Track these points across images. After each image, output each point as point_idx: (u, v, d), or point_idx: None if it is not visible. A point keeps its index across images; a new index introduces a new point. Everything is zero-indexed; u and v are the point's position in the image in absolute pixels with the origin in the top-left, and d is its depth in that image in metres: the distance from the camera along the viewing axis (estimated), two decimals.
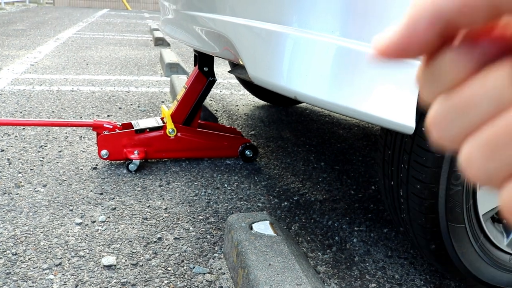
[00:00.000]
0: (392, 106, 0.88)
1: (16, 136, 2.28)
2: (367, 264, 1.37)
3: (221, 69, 4.61)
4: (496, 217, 1.21)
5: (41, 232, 1.43)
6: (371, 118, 0.89)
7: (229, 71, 1.75)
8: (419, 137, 1.02)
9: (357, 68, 0.87)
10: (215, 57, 2.05)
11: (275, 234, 1.25)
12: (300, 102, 3.23)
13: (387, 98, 0.88)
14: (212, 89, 3.61)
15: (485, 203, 1.10)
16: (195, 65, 2.09)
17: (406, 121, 0.89)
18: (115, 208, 1.61)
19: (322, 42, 0.89)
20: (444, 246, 1.09)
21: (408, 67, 0.87)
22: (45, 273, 1.23)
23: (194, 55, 2.11)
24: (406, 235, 1.23)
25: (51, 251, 1.33)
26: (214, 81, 2.04)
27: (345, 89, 0.88)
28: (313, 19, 0.91)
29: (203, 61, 2.01)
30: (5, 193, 1.67)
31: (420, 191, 1.04)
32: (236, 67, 1.44)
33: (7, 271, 1.23)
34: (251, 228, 1.28)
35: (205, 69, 2.03)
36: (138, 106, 2.97)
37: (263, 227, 1.28)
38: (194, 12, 1.35)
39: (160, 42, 6.19)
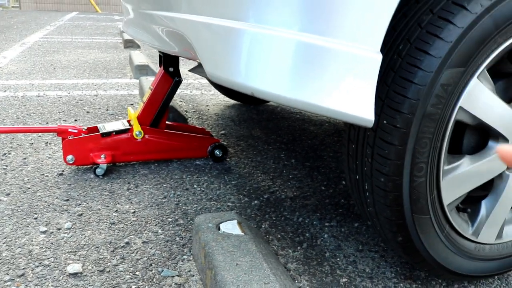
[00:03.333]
0: (352, 100, 0.87)
1: None
2: (338, 259, 1.37)
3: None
4: (461, 207, 1.23)
5: (3, 243, 1.38)
6: (331, 112, 0.88)
7: (189, 70, 1.73)
8: (381, 130, 1.02)
9: (315, 62, 0.86)
10: (181, 58, 2.03)
11: (243, 234, 1.24)
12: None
13: (346, 92, 0.87)
14: (182, 90, 3.58)
15: (449, 194, 1.11)
16: (160, 66, 2.06)
17: (365, 114, 0.88)
18: (81, 214, 1.57)
19: (280, 37, 0.88)
20: (411, 237, 1.10)
21: (367, 61, 0.87)
22: (7, 285, 1.19)
23: (159, 55, 2.08)
24: (374, 228, 1.23)
25: (13, 262, 1.29)
26: (180, 81, 2.01)
27: (304, 84, 0.87)
28: (270, 14, 0.89)
29: (168, 61, 1.98)
30: None
31: (384, 184, 1.04)
32: (198, 66, 1.42)
33: None
34: (219, 228, 1.26)
35: (171, 69, 2.00)
36: (107, 110, 2.92)
37: (231, 227, 1.26)
38: (151, 11, 1.33)
39: (130, 45, 6.11)
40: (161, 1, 1.22)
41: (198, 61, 1.15)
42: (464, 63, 0.99)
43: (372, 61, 0.86)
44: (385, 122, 1.01)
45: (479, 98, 1.05)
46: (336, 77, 0.86)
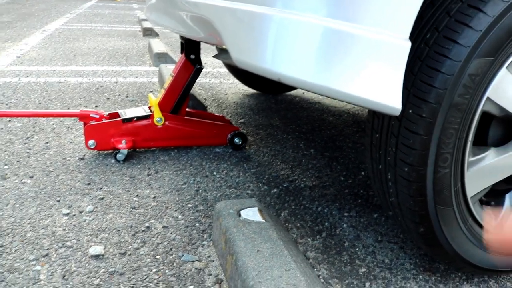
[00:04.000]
0: (378, 88, 0.87)
1: (2, 128, 2.24)
2: (357, 249, 1.37)
3: (210, 58, 4.57)
4: (485, 200, 1.21)
5: (27, 224, 1.41)
6: (358, 100, 0.87)
7: (213, 56, 1.73)
8: (406, 119, 1.01)
9: (343, 49, 0.86)
10: (204, 47, 2.02)
11: (264, 220, 1.24)
12: (289, 90, 3.21)
13: (373, 79, 0.86)
14: (201, 78, 3.59)
15: (473, 186, 1.10)
16: (181, 53, 2.07)
17: (392, 102, 0.88)
18: (103, 198, 1.59)
19: (307, 23, 0.88)
20: (433, 229, 1.09)
21: (395, 48, 0.86)
22: (32, 264, 1.22)
23: (181, 42, 2.08)
24: (395, 219, 1.23)
25: (38, 242, 1.32)
26: (201, 68, 2.02)
27: (331, 70, 0.87)
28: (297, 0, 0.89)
29: (190, 48, 1.98)
30: None
31: (408, 174, 1.04)
32: (221, 52, 1.42)
33: None
34: (239, 215, 1.27)
35: (192, 56, 2.00)
36: (127, 96, 2.94)
37: (252, 214, 1.27)
38: None
39: (148, 33, 6.13)
40: None
41: (222, 47, 1.15)
42: (493, 53, 0.97)
43: (401, 48, 0.86)
44: (410, 111, 1.00)
45: (508, 89, 1.03)
46: (364, 64, 0.86)
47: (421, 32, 1.02)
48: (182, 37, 2.05)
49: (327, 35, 0.86)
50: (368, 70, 0.86)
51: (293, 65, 0.87)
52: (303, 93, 3.27)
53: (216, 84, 3.45)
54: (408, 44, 0.86)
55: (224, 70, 4.02)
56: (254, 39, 0.92)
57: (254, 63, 0.91)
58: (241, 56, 0.95)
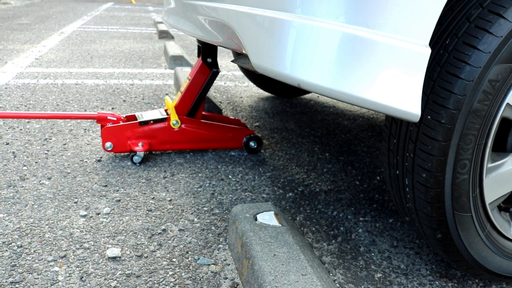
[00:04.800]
0: (398, 94, 0.87)
1: (21, 129, 2.28)
2: (373, 254, 1.36)
3: (225, 61, 4.59)
4: (503, 206, 1.20)
5: (46, 225, 1.43)
6: (376, 106, 0.87)
7: (232, 61, 1.74)
8: (424, 125, 1.01)
9: (362, 55, 0.86)
10: (219, 49, 2.04)
11: (280, 225, 1.25)
12: (304, 93, 3.21)
13: (392, 85, 0.86)
14: (216, 81, 3.60)
15: (491, 192, 1.09)
16: (198, 56, 2.08)
17: (411, 108, 0.87)
18: (119, 200, 1.60)
19: (326, 29, 0.88)
20: (451, 235, 1.08)
21: (415, 54, 0.86)
22: (50, 265, 1.23)
23: (198, 46, 2.10)
24: (411, 224, 1.22)
25: (56, 243, 1.33)
26: (217, 72, 2.03)
27: (350, 76, 0.87)
28: (317, 5, 0.89)
29: (207, 52, 2.00)
30: (10, 186, 1.67)
31: (426, 180, 1.03)
32: (239, 57, 1.43)
33: (13, 263, 1.23)
34: (256, 219, 1.27)
35: (209, 60, 2.01)
36: (143, 99, 2.97)
37: (268, 218, 1.27)
38: (196, 1, 1.34)
39: (164, 35, 6.17)
40: None
41: (241, 51, 1.16)
42: None
43: (421, 55, 0.85)
44: (429, 117, 1.00)
45: None
46: (383, 70, 0.86)
47: (440, 38, 1.01)
48: (199, 41, 2.06)
49: (346, 41, 0.87)
50: (387, 76, 0.86)
51: (313, 71, 0.87)
52: (318, 96, 3.26)
53: (231, 87, 3.46)
54: (428, 51, 0.86)
55: (239, 73, 4.03)
56: (273, 45, 0.92)
57: (273, 69, 0.92)
58: (260, 61, 0.96)
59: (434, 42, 1.02)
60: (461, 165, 1.01)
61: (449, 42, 0.99)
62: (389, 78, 0.86)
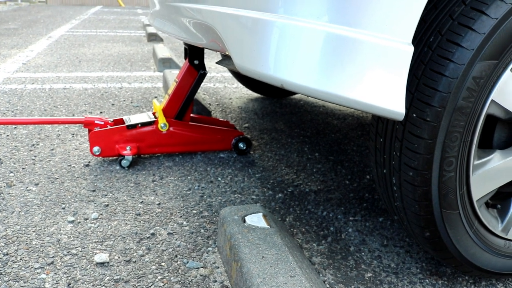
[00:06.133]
0: (382, 93, 0.86)
1: (7, 135, 2.25)
2: (363, 253, 1.36)
3: (214, 62, 4.58)
4: (490, 203, 1.20)
5: (33, 231, 1.41)
6: (361, 105, 0.87)
7: (216, 62, 1.73)
8: (410, 123, 1.00)
9: (345, 54, 0.86)
10: (208, 51, 2.03)
11: (268, 226, 1.24)
12: (294, 94, 3.21)
13: (376, 84, 0.86)
14: (205, 83, 3.59)
15: (478, 189, 1.09)
16: (185, 59, 2.07)
17: (396, 107, 0.87)
18: (108, 205, 1.59)
19: (309, 29, 0.87)
20: (439, 233, 1.08)
21: (398, 53, 0.86)
22: (37, 273, 1.22)
23: (184, 48, 2.09)
24: (400, 223, 1.22)
25: (43, 250, 1.32)
26: (205, 74, 2.02)
27: (333, 76, 0.86)
28: (299, 5, 0.89)
29: (193, 54, 1.99)
30: None
31: (413, 178, 1.03)
32: (224, 58, 1.43)
33: None
34: (244, 221, 1.26)
35: (196, 62, 2.01)
36: (131, 102, 2.95)
37: (256, 220, 1.26)
38: (179, 3, 1.33)
39: (153, 38, 6.15)
40: None
41: (225, 53, 1.15)
42: (497, 55, 0.96)
43: (404, 53, 0.85)
44: (414, 115, 0.99)
45: None
46: (366, 69, 0.85)
47: (424, 36, 1.01)
48: (185, 43, 2.05)
49: (329, 41, 0.86)
50: (371, 75, 0.85)
51: (296, 71, 0.87)
52: (307, 96, 3.26)
53: (220, 88, 3.45)
54: (411, 49, 0.85)
55: (228, 74, 4.02)
56: (256, 45, 0.92)
57: (256, 70, 0.91)
58: (243, 62, 0.95)
59: (418, 40, 1.02)
60: (448, 163, 1.01)
61: (433, 40, 0.99)
62: (373, 76, 0.86)
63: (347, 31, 0.85)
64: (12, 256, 1.29)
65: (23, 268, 1.23)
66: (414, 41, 1.02)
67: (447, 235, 1.08)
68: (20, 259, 1.28)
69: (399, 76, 0.86)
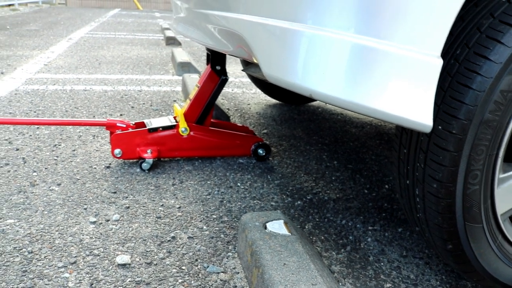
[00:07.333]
0: (410, 104, 0.87)
1: (30, 135, 2.29)
2: (382, 264, 1.36)
3: (232, 68, 4.61)
4: None
5: (56, 231, 1.44)
6: (388, 116, 0.88)
7: (242, 70, 1.75)
8: (435, 135, 1.01)
9: (374, 66, 0.86)
10: (226, 56, 2.05)
11: (290, 234, 1.25)
12: (312, 101, 3.21)
13: (404, 96, 0.87)
14: (223, 88, 3.61)
15: (503, 203, 1.09)
16: (207, 64, 2.09)
17: (423, 119, 0.87)
18: (128, 207, 1.61)
19: (337, 40, 0.88)
20: (461, 246, 1.08)
21: (427, 65, 0.86)
22: (61, 271, 1.24)
23: (207, 53, 2.11)
24: (421, 234, 1.22)
25: (66, 250, 1.34)
26: (226, 79, 2.03)
27: (362, 87, 0.87)
28: (328, 16, 0.90)
29: (216, 59, 2.01)
30: (20, 191, 1.68)
31: (437, 190, 1.03)
32: (250, 66, 1.44)
33: (24, 269, 1.24)
34: (265, 227, 1.27)
35: (218, 67, 2.02)
36: (151, 105, 2.98)
37: (277, 226, 1.27)
38: (207, 10, 1.35)
39: (171, 42, 6.21)
40: (220, 2, 1.24)
41: (251, 61, 1.16)
42: None
43: (433, 66, 0.86)
44: (440, 127, 1.00)
45: None
46: (395, 81, 0.86)
47: (451, 48, 1.02)
48: (208, 49, 2.07)
49: (358, 52, 0.87)
50: (399, 87, 0.86)
51: (324, 81, 0.88)
52: (325, 104, 3.26)
53: (238, 94, 3.47)
54: (440, 62, 0.86)
55: (247, 80, 4.04)
56: (285, 55, 0.93)
57: (285, 79, 0.92)
58: (272, 71, 0.96)
59: (444, 52, 1.02)
60: (473, 176, 1.01)
61: (460, 52, 0.99)
62: (401, 88, 0.86)
63: (376, 42, 0.86)
64: (37, 254, 1.31)
65: (47, 267, 1.26)
66: (441, 54, 1.02)
67: (470, 249, 1.08)
68: (44, 257, 1.30)
69: (427, 89, 0.86)
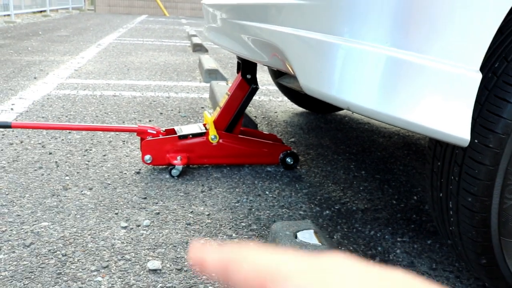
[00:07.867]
0: (447, 118, 0.87)
1: (62, 139, 2.35)
2: None
3: (259, 75, 4.63)
4: None
5: (88, 234, 1.47)
6: (425, 130, 0.88)
7: (276, 80, 1.76)
8: (471, 149, 1.00)
9: (410, 79, 0.86)
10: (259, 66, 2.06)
11: (320, 243, 1.25)
12: (339, 110, 3.21)
13: (442, 110, 0.86)
14: None
15: None
16: (238, 72, 2.11)
17: (461, 133, 0.87)
18: (158, 213, 1.63)
19: (374, 53, 0.89)
20: (496, 261, 1.06)
21: (466, 80, 0.86)
22: (93, 275, 1.27)
23: (237, 62, 2.13)
24: (453, 248, 1.21)
25: (98, 254, 1.37)
26: (256, 88, 2.05)
27: (398, 100, 0.87)
28: (365, 30, 0.90)
29: (246, 68, 2.03)
30: (53, 195, 1.72)
31: (472, 204, 1.02)
32: (284, 76, 1.45)
33: (58, 271, 1.27)
34: (296, 237, 1.28)
35: (248, 76, 2.04)
36: (179, 112, 3.02)
37: (308, 236, 1.28)
38: (242, 21, 1.37)
39: (198, 48, 6.27)
40: (257, 13, 1.26)
41: (287, 72, 1.18)
42: None
43: (472, 80, 0.85)
44: (476, 141, 0.99)
45: None
46: (433, 95, 0.86)
47: (488, 61, 1.01)
48: (239, 57, 2.09)
49: (394, 65, 0.87)
50: (437, 101, 0.86)
51: (361, 94, 0.88)
52: (352, 113, 3.25)
53: (265, 101, 3.48)
54: (479, 76, 0.86)
55: (273, 88, 4.06)
56: (321, 67, 0.94)
57: (321, 91, 0.93)
58: (309, 83, 0.97)
59: (482, 65, 1.02)
60: (509, 190, 1.00)
61: (498, 66, 0.99)
62: (439, 102, 0.86)
63: (411, 55, 0.86)
64: (70, 257, 1.34)
65: (80, 270, 1.28)
66: None
67: (505, 264, 1.07)
68: (77, 260, 1.33)
69: (465, 103, 0.86)
